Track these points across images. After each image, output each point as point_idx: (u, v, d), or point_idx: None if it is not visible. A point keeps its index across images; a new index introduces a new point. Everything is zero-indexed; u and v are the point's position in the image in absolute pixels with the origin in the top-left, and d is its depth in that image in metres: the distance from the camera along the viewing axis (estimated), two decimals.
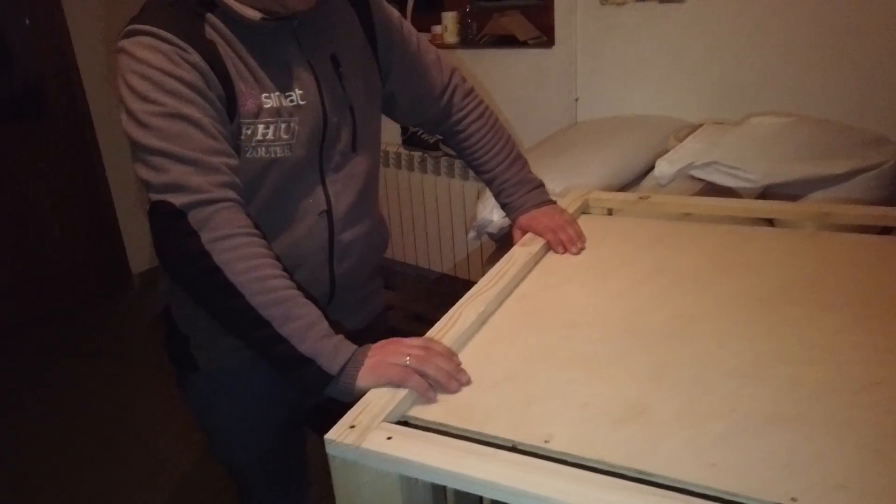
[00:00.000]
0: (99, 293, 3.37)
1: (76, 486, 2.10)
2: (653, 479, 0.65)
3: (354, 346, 0.84)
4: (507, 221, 1.94)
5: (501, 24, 2.54)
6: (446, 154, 2.74)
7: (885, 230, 1.24)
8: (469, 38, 2.71)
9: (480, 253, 2.82)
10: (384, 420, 0.74)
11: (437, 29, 2.76)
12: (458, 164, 2.73)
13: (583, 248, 1.18)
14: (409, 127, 2.82)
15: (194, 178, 0.82)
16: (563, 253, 1.17)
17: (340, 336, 0.85)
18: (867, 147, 1.65)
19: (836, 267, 1.04)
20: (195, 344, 1.03)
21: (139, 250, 3.45)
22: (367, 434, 0.72)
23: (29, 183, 3.08)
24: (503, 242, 2.10)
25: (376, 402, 0.77)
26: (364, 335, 0.87)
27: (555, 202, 1.27)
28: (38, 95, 3.06)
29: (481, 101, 1.22)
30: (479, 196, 2.14)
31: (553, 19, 2.45)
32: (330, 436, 0.72)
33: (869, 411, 0.71)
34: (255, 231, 0.85)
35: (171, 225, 0.82)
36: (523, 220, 1.22)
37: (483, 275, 1.08)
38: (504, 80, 2.66)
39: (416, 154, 2.85)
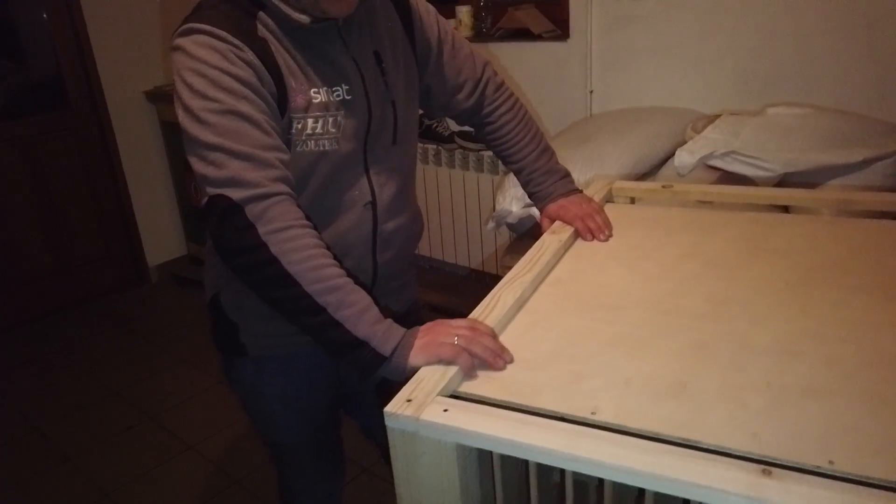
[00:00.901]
0: (116, 285, 3.42)
1: (94, 471, 2.15)
2: (698, 446, 0.68)
3: (404, 329, 0.88)
4: (525, 212, 1.98)
5: (516, 17, 2.57)
6: (461, 147, 2.78)
7: None
8: (483, 32, 2.74)
9: (495, 246, 2.86)
10: (438, 394, 0.78)
11: (451, 23, 2.79)
12: (472, 156, 2.77)
13: (610, 236, 1.22)
14: (424, 120, 2.85)
15: (250, 174, 0.85)
16: (591, 240, 1.21)
17: (390, 320, 0.89)
18: (882, 136, 1.69)
19: (858, 251, 1.08)
20: (244, 331, 1.07)
21: (155, 243, 3.50)
22: (423, 407, 0.76)
23: (47, 176, 3.12)
24: (521, 233, 2.14)
25: (429, 379, 0.81)
26: (404, 320, 0.91)
27: (581, 191, 1.30)
28: (57, 89, 3.10)
29: (512, 94, 1.25)
30: (497, 187, 2.17)
31: (567, 12, 2.48)
32: (390, 409, 0.76)
33: None
34: (308, 223, 0.89)
35: (228, 218, 0.86)
36: (552, 208, 1.26)
37: (502, 267, 1.12)
38: (519, 73, 2.69)
39: (431, 147, 2.89)
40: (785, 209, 1.57)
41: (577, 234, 1.23)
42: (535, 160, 1.25)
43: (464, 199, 2.87)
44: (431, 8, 1.14)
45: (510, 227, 2.06)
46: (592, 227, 1.21)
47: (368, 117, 1.00)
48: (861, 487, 0.61)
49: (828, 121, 1.77)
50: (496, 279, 1.02)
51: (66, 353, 2.90)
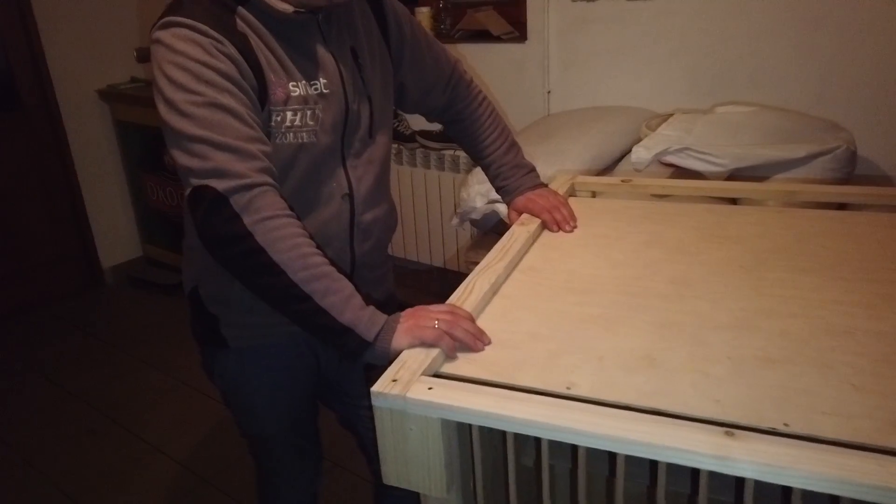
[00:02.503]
0: (70, 289, 3.34)
1: (59, 476, 2.11)
2: (667, 413, 0.74)
3: (386, 315, 0.91)
4: (489, 208, 2.03)
5: (475, 18, 2.63)
6: (423, 146, 2.82)
7: (840, 206, 1.37)
8: (443, 33, 2.79)
9: (457, 244, 2.90)
10: (423, 374, 0.82)
11: None
12: (434, 155, 2.81)
13: (575, 227, 1.28)
14: None
15: (235, 165, 0.87)
16: (557, 231, 1.27)
17: (373, 307, 0.92)
18: (822, 133, 1.80)
19: (803, 237, 1.16)
20: (224, 323, 1.08)
21: (110, 245, 3.43)
22: (409, 386, 0.79)
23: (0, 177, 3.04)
24: (485, 229, 2.19)
25: (413, 360, 0.85)
26: (383, 309, 0.94)
27: (547, 185, 1.36)
28: (7, 88, 3.02)
29: (480, 91, 1.30)
30: (461, 184, 2.22)
31: (525, 14, 2.54)
32: (376, 388, 0.80)
33: (846, 354, 0.82)
34: (292, 213, 0.92)
35: (214, 209, 0.87)
36: (520, 201, 1.31)
37: (466, 264, 1.16)
38: (478, 73, 2.74)
39: (393, 146, 2.92)
40: (734, 201, 1.66)
41: (544, 226, 1.28)
42: (504, 155, 1.30)
43: (425, 197, 2.91)
44: (404, 7, 1.18)
45: (474, 223, 2.11)
46: (559, 219, 1.26)
47: (346, 111, 1.03)
48: (814, 444, 0.67)
49: (773, 118, 1.87)
50: (460, 276, 1.05)
51: (23, 358, 2.82)
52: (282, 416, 1.18)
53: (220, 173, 0.87)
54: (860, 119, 2.01)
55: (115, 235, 3.44)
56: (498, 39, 2.61)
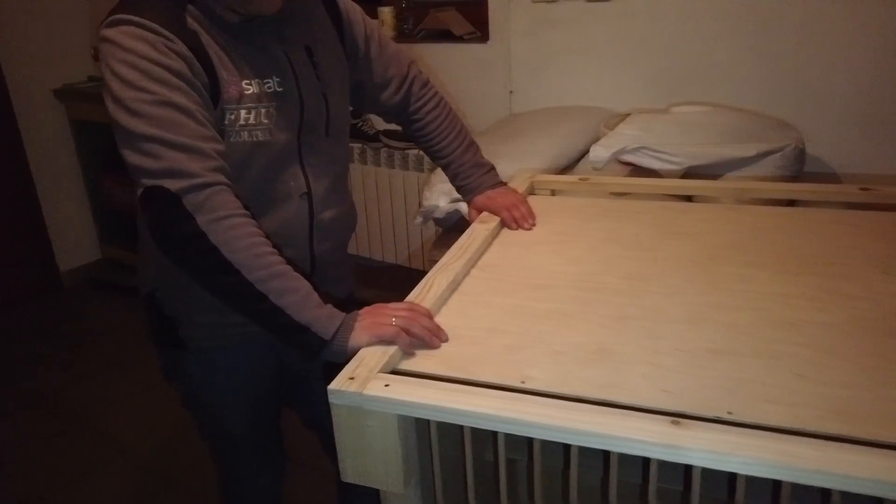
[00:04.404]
0: (27, 292, 3.25)
1: (25, 478, 2.06)
2: (617, 404, 0.76)
3: (344, 314, 0.91)
4: (452, 207, 2.04)
5: (438, 18, 2.64)
6: (387, 145, 2.82)
7: (790, 202, 1.41)
8: (406, 33, 2.79)
9: (421, 241, 2.91)
10: (380, 371, 0.83)
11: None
12: (398, 154, 2.81)
13: (534, 225, 1.29)
14: (349, 119, 2.87)
15: (188, 164, 0.86)
16: (516, 229, 1.28)
17: (331, 305, 0.92)
18: (773, 132, 1.85)
19: (754, 233, 1.20)
20: (183, 325, 1.07)
21: (68, 247, 3.35)
22: (366, 383, 0.80)
23: None
24: (448, 227, 2.20)
25: (371, 357, 0.85)
26: (345, 308, 0.94)
27: (506, 184, 1.37)
28: None
29: (437, 91, 1.31)
30: (425, 184, 2.23)
31: (487, 15, 2.56)
32: (333, 386, 0.80)
33: (789, 345, 0.85)
34: (246, 212, 0.91)
35: (167, 209, 0.86)
36: (480, 200, 1.32)
37: (429, 261, 1.17)
38: (441, 73, 2.75)
39: (357, 146, 2.91)
40: (689, 199, 1.70)
41: (503, 224, 1.30)
42: (462, 154, 1.31)
43: (390, 196, 2.91)
44: (358, 7, 1.18)
45: (437, 221, 2.12)
46: (517, 217, 1.28)
47: (301, 109, 1.03)
48: (757, 431, 0.69)
49: (726, 118, 1.92)
50: (423, 274, 1.06)
51: None
52: (245, 416, 1.17)
53: (173, 173, 0.86)
54: (809, 118, 2.08)
55: (73, 237, 3.37)
56: (460, 39, 2.62)
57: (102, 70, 0.90)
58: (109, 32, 0.89)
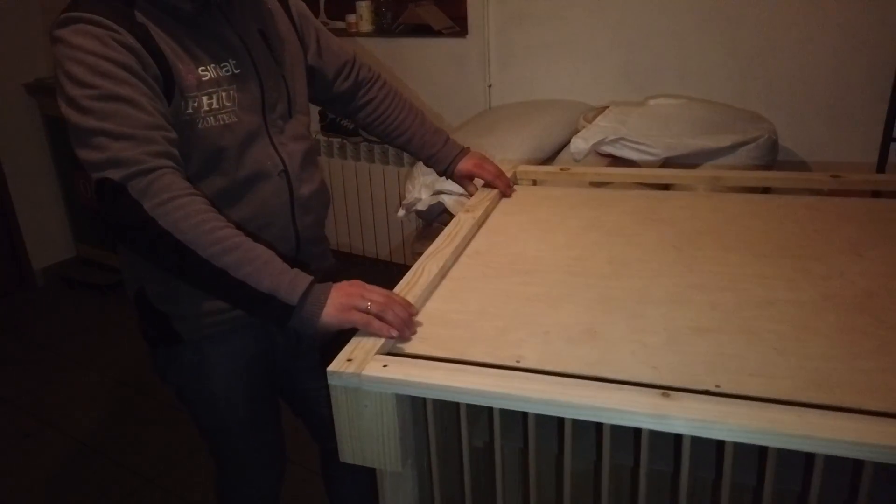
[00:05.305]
0: None
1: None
2: (609, 379, 0.79)
3: (311, 277, 0.89)
4: (434, 199, 2.07)
5: (416, 13, 2.65)
6: (366, 139, 2.83)
7: (765, 190, 1.46)
8: (384, 27, 2.80)
9: (402, 236, 2.93)
10: (377, 353, 0.85)
11: (351, 18, 2.84)
12: (377, 148, 2.82)
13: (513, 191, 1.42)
14: (327, 114, 2.88)
15: (129, 152, 0.86)
16: (510, 195, 1.40)
17: (296, 270, 0.90)
18: (746, 123, 1.91)
19: (730, 219, 1.24)
20: (176, 318, 1.07)
21: (41, 245, 3.30)
22: (364, 365, 0.82)
23: None
24: (430, 220, 2.22)
25: (367, 339, 0.87)
26: (332, 279, 0.94)
27: (469, 148, 1.40)
28: None
29: (380, 74, 1.34)
30: (406, 177, 2.25)
31: (465, 9, 2.59)
32: (332, 368, 0.82)
33: (769, 322, 0.89)
34: (195, 191, 0.90)
35: (114, 199, 0.87)
36: (467, 167, 1.35)
37: (413, 254, 1.19)
38: (420, 68, 2.77)
39: (336, 140, 2.92)
40: (667, 188, 1.75)
41: (500, 192, 1.39)
42: (420, 126, 1.34)
43: (370, 190, 2.92)
44: (300, 2, 1.21)
45: (419, 214, 2.14)
46: (507, 184, 1.39)
47: (261, 89, 1.05)
48: (742, 401, 0.73)
49: (701, 110, 1.97)
50: (405, 268, 1.07)
51: None
52: (241, 406, 1.16)
53: (116, 162, 0.86)
54: (780, 110, 2.14)
55: (46, 235, 3.31)
56: (439, 34, 2.64)
57: (56, 70, 0.90)
58: (60, 32, 0.90)
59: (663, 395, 0.74)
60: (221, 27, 1.01)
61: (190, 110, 0.96)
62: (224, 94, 1.00)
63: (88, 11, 0.89)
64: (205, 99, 0.98)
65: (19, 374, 2.60)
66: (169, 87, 0.94)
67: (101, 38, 0.88)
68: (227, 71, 1.01)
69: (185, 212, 0.87)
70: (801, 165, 2.17)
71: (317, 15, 2.92)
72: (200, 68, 0.98)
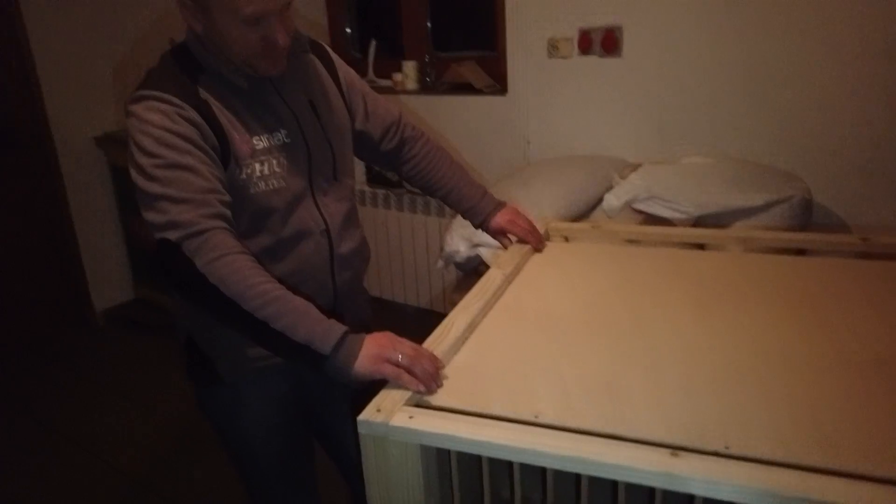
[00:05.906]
0: (61, 330, 3.38)
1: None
2: (621, 436, 0.83)
3: (345, 328, 0.97)
4: (473, 251, 2.13)
5: (459, 72, 2.78)
6: (409, 191, 2.93)
7: (798, 251, 1.49)
8: (428, 86, 2.93)
9: (443, 285, 3.00)
10: (405, 404, 0.91)
11: (397, 76, 2.98)
12: (419, 200, 2.92)
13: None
14: (374, 168, 3.00)
15: (186, 215, 0.97)
16: (541, 251, 1.46)
17: (332, 320, 0.98)
18: (779, 182, 1.93)
19: (758, 281, 1.27)
20: (220, 362, 1.17)
21: (103, 288, 3.48)
22: (392, 415, 0.88)
23: None
24: (468, 271, 2.29)
25: (396, 391, 0.93)
26: (363, 331, 1.00)
27: (505, 203, 1.47)
28: (4, 130, 3.12)
29: (423, 131, 1.42)
30: (445, 229, 2.32)
31: (505, 68, 2.70)
32: (362, 417, 0.88)
33: (783, 382, 0.92)
34: (243, 249, 1.00)
35: (171, 257, 0.98)
36: (500, 222, 1.42)
37: (450, 304, 1.26)
38: (462, 124, 2.88)
39: (381, 192, 3.04)
40: (701, 247, 1.78)
41: (532, 247, 1.45)
42: (460, 180, 1.41)
43: (412, 240, 3.02)
44: (344, 63, 1.31)
45: (458, 265, 2.21)
46: (538, 239, 1.44)
47: (308, 156, 1.15)
48: (751, 464, 0.75)
49: (734, 169, 2.01)
50: (444, 317, 1.14)
51: (6, 395, 2.85)
52: (276, 442, 1.24)
53: (173, 224, 0.97)
54: (813, 170, 2.15)
55: (108, 279, 3.50)
56: (480, 92, 2.75)
57: (129, 141, 1.02)
58: (133, 107, 1.02)
59: (672, 454, 0.78)
60: (274, 100, 1.12)
61: (244, 176, 1.07)
62: (275, 160, 1.10)
63: (159, 89, 1.02)
64: (257, 166, 1.08)
65: (77, 410, 2.73)
66: (225, 154, 1.05)
67: (168, 114, 1.00)
68: (279, 140, 1.11)
69: (232, 268, 0.97)
70: (839, 225, 2.17)
71: (365, 73, 3.08)
72: (255, 138, 1.08)
